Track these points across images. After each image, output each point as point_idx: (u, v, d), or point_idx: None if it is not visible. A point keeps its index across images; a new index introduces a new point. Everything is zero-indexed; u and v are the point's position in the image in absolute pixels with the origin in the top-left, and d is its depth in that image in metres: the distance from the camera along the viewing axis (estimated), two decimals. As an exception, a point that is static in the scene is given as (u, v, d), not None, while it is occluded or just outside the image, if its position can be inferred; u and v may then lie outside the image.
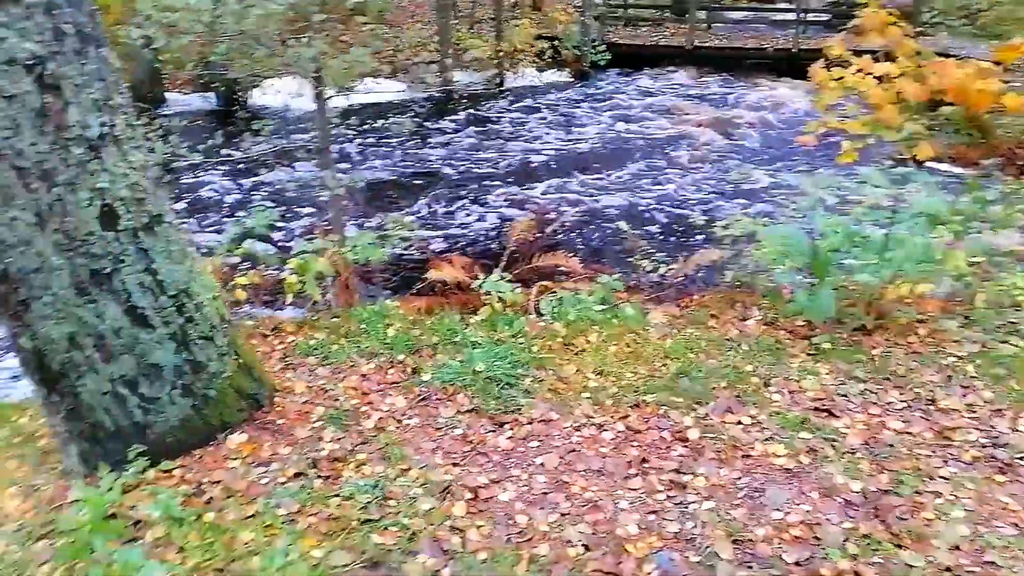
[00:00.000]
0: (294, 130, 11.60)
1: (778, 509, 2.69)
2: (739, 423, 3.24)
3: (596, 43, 16.29)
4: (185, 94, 15.05)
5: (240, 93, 12.92)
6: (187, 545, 2.51)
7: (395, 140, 11.98)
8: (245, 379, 3.31)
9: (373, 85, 10.57)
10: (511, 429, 3.25)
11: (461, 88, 13.19)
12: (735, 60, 17.04)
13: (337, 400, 3.52)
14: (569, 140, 11.83)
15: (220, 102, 13.99)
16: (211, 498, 2.80)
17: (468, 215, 8.48)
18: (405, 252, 6.73)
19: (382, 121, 12.85)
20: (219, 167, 10.11)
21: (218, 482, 2.89)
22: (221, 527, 2.59)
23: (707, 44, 17.69)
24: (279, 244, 6.88)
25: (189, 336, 2.98)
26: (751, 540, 2.52)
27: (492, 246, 7.44)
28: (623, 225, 6.44)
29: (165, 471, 2.99)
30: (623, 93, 15.48)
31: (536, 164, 10.62)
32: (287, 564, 2.32)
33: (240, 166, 10.03)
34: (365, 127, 12.31)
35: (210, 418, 3.14)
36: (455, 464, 3.00)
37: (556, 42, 16.90)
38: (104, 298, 2.67)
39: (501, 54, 15.74)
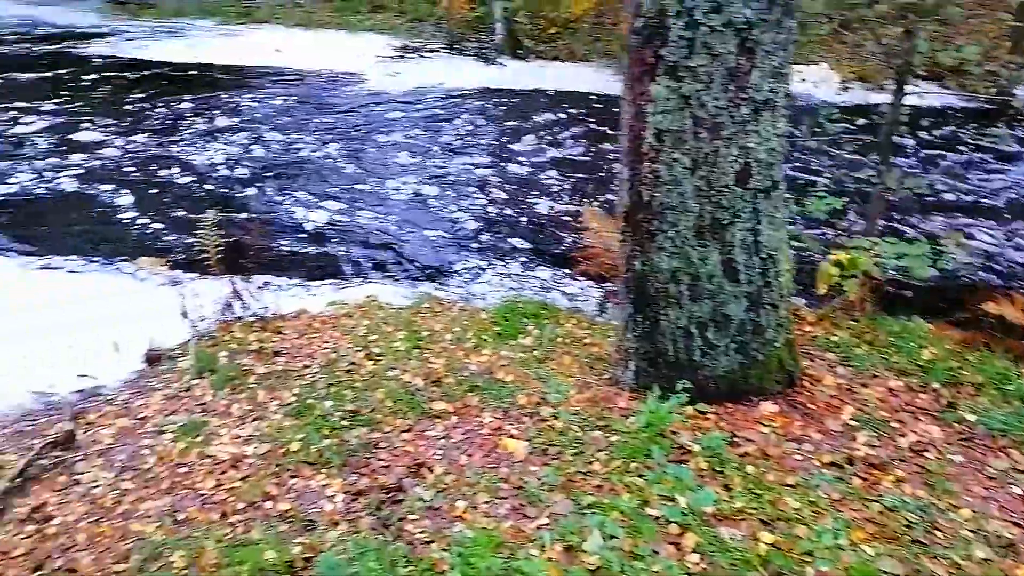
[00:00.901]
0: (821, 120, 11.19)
1: None
2: None
3: None
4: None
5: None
6: (731, 485, 2.69)
7: (925, 147, 10.80)
8: (788, 355, 3.38)
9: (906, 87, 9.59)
10: (1091, 514, 2.73)
11: (1019, 103, 11.20)
12: None
13: (866, 405, 3.38)
14: None
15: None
16: (746, 452, 2.95)
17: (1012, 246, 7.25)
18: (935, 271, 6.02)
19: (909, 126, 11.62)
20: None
21: (751, 440, 3.03)
22: (763, 484, 2.71)
23: None
24: (810, 232, 6.70)
25: (762, 299, 3.13)
26: None
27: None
28: None
29: (700, 412, 3.24)
30: None
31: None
32: (836, 547, 2.32)
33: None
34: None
35: (751, 379, 3.30)
36: (1016, 524, 2.64)
37: None
38: (713, 246, 2.95)
39: (1085, 70, 12.87)
